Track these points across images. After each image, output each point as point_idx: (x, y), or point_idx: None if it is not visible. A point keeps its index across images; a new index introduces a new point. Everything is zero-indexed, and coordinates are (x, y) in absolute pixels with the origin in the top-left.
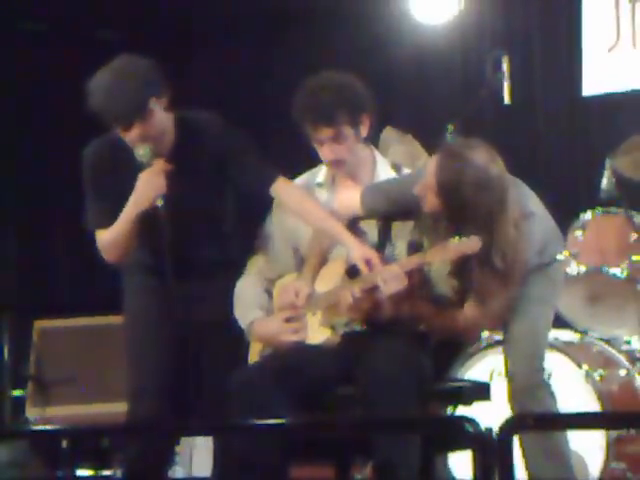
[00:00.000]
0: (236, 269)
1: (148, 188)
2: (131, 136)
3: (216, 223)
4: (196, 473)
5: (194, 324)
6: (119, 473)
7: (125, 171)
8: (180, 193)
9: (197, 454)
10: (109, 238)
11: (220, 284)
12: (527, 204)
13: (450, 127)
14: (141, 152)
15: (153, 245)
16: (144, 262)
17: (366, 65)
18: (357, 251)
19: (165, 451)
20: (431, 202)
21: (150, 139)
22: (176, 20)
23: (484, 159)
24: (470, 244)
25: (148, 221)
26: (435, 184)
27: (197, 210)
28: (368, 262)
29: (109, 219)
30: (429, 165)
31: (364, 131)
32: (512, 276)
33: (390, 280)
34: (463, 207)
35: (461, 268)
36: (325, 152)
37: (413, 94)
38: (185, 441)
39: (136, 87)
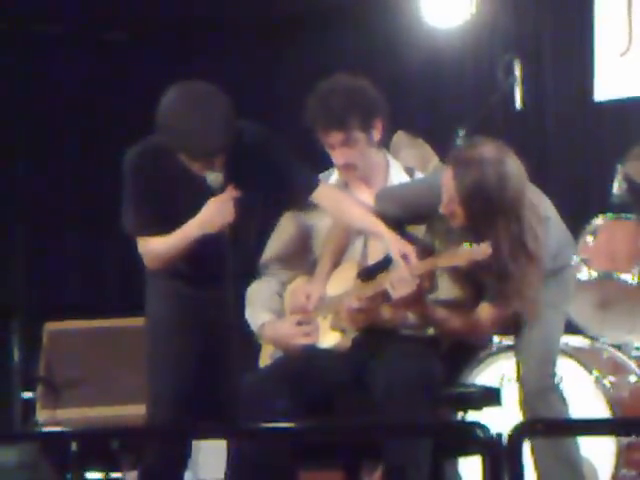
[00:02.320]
0: (256, 274)
1: (218, 215)
2: (208, 167)
3: (249, 231)
4: (202, 476)
5: (217, 329)
6: (129, 475)
7: (169, 177)
8: None
9: (203, 457)
10: (160, 250)
11: (242, 289)
12: (542, 208)
13: (461, 131)
14: (212, 177)
15: (192, 254)
16: (173, 267)
17: (378, 69)
18: (395, 246)
19: (181, 455)
20: (460, 216)
21: (221, 164)
22: (186, 21)
23: (494, 153)
24: (481, 250)
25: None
26: (458, 196)
27: (241, 222)
28: (405, 257)
29: (152, 226)
30: (445, 180)
31: (377, 135)
32: (542, 258)
33: (399, 284)
34: (490, 205)
35: (483, 268)
36: (336, 156)
37: (424, 98)
38: (193, 444)
39: (225, 126)
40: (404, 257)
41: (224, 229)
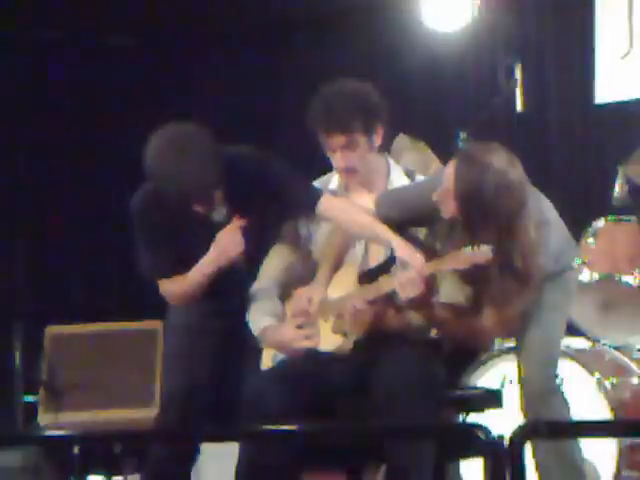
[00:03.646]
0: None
1: (228, 248)
2: (209, 207)
3: (254, 252)
4: None
5: (233, 336)
6: (130, 479)
7: (175, 218)
8: None
9: (204, 461)
10: (179, 291)
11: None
12: (543, 211)
13: (463, 134)
14: (216, 212)
15: None
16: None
17: (379, 72)
18: (405, 254)
19: (187, 458)
20: (450, 208)
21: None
22: (187, 26)
23: (503, 162)
24: (482, 254)
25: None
26: (454, 190)
27: (253, 248)
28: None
29: (169, 267)
30: (447, 171)
31: (378, 140)
32: (531, 279)
33: (407, 285)
34: (483, 211)
35: (477, 274)
36: (337, 160)
37: (426, 101)
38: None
39: (210, 164)
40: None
41: (237, 259)
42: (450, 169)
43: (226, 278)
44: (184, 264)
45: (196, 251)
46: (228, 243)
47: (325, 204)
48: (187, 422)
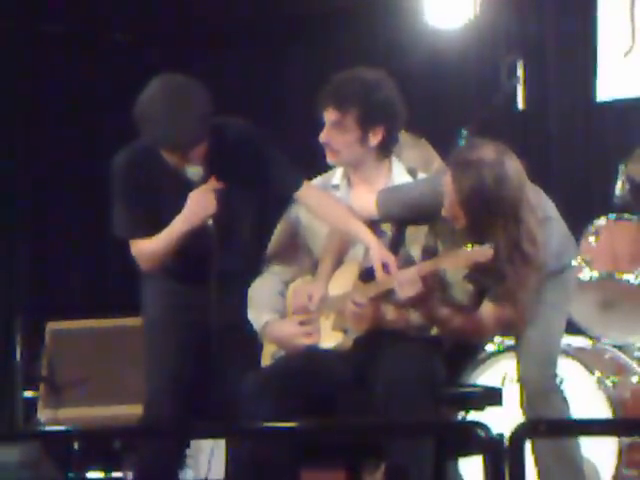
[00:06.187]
0: (256, 274)
1: (200, 207)
2: (185, 159)
3: (240, 228)
4: (204, 475)
5: (213, 328)
6: (130, 475)
7: (158, 179)
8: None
9: (204, 457)
10: (150, 250)
11: (240, 289)
12: (544, 209)
13: (464, 132)
14: (192, 171)
15: (183, 252)
16: (167, 266)
17: (380, 69)
18: (376, 253)
19: (177, 453)
20: (461, 220)
21: (200, 158)
22: (188, 22)
23: (494, 155)
24: (483, 252)
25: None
26: (457, 197)
27: (228, 217)
28: (385, 265)
29: (143, 228)
30: (445, 183)
31: (374, 140)
32: (540, 262)
33: (406, 284)
34: (487, 207)
35: (481, 269)
36: (322, 134)
37: (427, 99)
38: (193, 444)
39: (197, 115)
40: (384, 265)
41: (207, 221)
42: (448, 181)
43: (199, 268)
44: (161, 226)
45: (172, 214)
46: (200, 202)
47: (306, 190)
48: (172, 420)
